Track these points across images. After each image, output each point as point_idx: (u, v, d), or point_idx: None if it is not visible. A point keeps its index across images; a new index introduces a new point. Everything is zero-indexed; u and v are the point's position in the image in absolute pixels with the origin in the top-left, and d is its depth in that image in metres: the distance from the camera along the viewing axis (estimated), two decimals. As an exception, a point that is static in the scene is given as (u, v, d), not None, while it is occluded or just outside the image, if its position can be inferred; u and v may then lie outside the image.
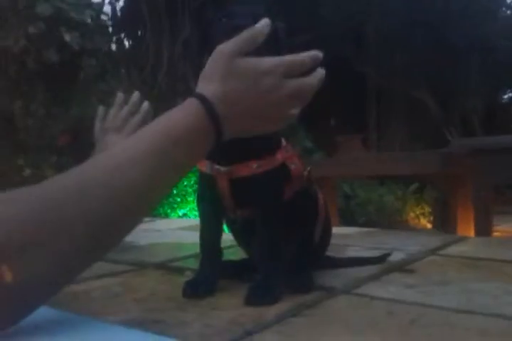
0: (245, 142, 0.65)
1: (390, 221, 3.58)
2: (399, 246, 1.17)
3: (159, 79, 3.55)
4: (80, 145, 2.54)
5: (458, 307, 0.68)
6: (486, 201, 2.25)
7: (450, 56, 4.06)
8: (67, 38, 2.90)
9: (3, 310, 0.42)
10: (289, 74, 0.59)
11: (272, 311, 0.65)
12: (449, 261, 1.03)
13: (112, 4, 4.36)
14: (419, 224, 3.79)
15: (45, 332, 0.41)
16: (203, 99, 0.57)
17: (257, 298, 0.69)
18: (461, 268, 0.95)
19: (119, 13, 4.15)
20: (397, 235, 1.55)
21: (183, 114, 0.57)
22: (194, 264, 0.99)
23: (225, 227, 0.83)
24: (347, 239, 1.31)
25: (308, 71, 0.60)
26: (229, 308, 0.68)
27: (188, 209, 3.75)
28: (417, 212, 3.87)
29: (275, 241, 0.74)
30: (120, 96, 0.94)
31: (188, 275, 0.90)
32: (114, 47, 3.86)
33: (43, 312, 0.45)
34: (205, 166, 0.74)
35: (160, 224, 1.76)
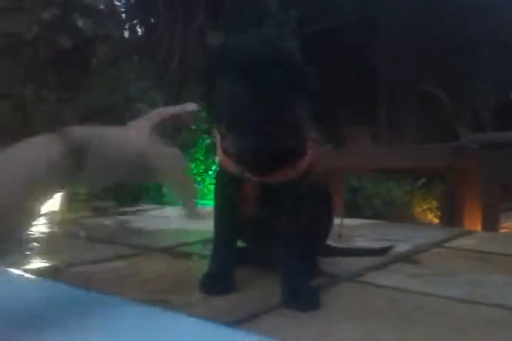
0: (276, 149, 0.64)
1: (397, 215, 3.57)
2: (404, 237, 1.18)
3: (171, 68, 3.54)
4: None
5: (461, 297, 0.69)
6: (494, 197, 2.24)
7: (463, 49, 4.02)
8: (80, 23, 2.91)
9: None
10: None
11: (276, 294, 0.66)
12: (455, 253, 1.04)
13: (125, -9, 4.35)
14: (426, 219, 3.78)
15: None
16: None
17: (305, 304, 0.64)
18: (466, 260, 0.96)
19: (132, 0, 4.14)
20: (403, 227, 1.56)
21: None
22: (200, 249, 1.01)
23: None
24: (353, 230, 1.32)
25: None
26: (234, 291, 0.70)
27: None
28: (424, 207, 3.86)
29: (304, 242, 0.71)
30: None
31: (196, 260, 0.91)
32: (126, 34, 3.86)
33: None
34: (232, 167, 0.69)
35: (169, 211, 1.79)
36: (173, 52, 3.55)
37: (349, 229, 1.32)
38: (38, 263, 0.89)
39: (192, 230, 1.27)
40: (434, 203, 3.78)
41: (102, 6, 3.08)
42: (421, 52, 3.93)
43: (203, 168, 2.82)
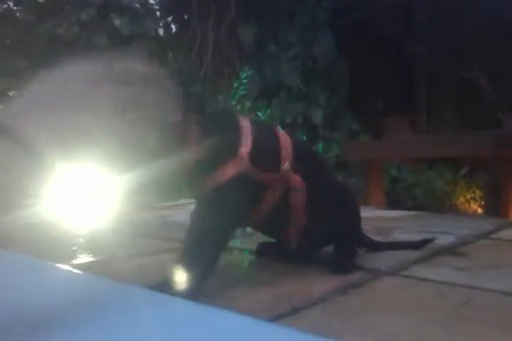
0: None
1: (439, 205, 3.48)
2: (448, 229, 1.15)
3: (205, 63, 3.57)
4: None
5: (509, 290, 0.67)
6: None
7: (505, 35, 3.85)
8: (116, 23, 2.96)
9: None
10: None
11: (319, 289, 0.66)
12: (501, 245, 1.01)
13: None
14: (469, 209, 3.67)
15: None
16: None
17: (342, 268, 0.76)
18: (514, 252, 0.93)
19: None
20: (445, 219, 1.52)
21: None
22: (241, 244, 1.02)
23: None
24: (394, 222, 1.30)
25: None
26: (276, 285, 0.70)
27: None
28: (468, 197, 3.74)
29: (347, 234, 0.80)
30: None
31: (237, 255, 0.92)
32: (161, 31, 3.91)
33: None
34: (258, 173, 0.69)
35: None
36: (207, 46, 3.58)
37: (391, 221, 1.30)
38: (85, 258, 0.92)
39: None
40: (478, 193, 3.67)
41: (137, 5, 3.13)
42: (462, 39, 3.79)
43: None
